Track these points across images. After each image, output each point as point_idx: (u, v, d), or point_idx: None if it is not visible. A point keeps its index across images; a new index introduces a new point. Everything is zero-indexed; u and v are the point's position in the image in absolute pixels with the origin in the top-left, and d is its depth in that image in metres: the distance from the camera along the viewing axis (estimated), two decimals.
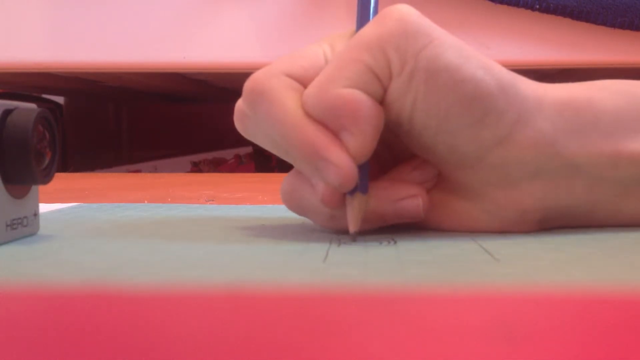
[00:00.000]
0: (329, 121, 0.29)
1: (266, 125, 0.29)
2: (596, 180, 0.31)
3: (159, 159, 1.24)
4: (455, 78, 0.29)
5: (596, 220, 0.32)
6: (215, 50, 0.80)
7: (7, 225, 0.29)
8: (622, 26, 0.74)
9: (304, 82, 0.30)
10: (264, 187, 0.62)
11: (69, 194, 0.54)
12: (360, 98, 0.28)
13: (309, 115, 0.29)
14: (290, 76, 0.30)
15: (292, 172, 0.32)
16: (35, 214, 0.31)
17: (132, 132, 1.39)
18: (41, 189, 0.32)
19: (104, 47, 0.81)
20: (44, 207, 0.42)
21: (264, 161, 1.20)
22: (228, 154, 1.24)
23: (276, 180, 0.73)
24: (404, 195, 0.31)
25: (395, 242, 0.29)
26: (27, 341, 0.15)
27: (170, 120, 1.38)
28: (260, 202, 0.47)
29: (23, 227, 0.30)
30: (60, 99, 1.29)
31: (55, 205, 0.44)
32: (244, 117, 0.31)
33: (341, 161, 0.28)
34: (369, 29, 0.29)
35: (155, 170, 1.22)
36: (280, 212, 0.40)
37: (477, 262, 0.25)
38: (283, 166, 1.18)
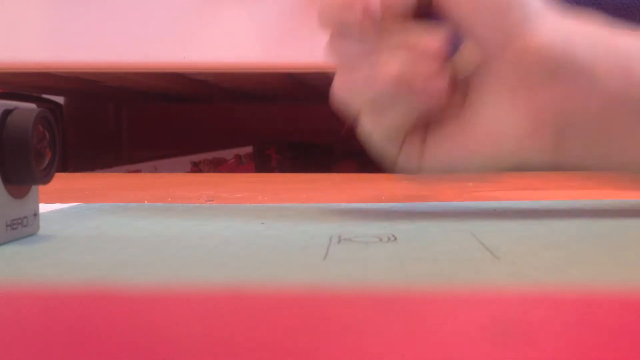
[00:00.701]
0: None
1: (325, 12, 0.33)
2: (611, 98, 0.32)
3: (159, 159, 1.24)
4: None
5: (611, 149, 0.33)
6: (215, 50, 0.80)
7: (7, 226, 0.29)
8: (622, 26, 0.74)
9: None
10: (264, 187, 0.62)
11: (69, 194, 0.54)
12: None
13: None
14: None
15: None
16: (35, 214, 0.31)
17: (132, 132, 1.39)
18: (41, 189, 0.32)
19: (104, 47, 0.81)
20: (44, 207, 0.42)
21: (264, 161, 1.20)
22: (228, 154, 1.24)
23: (276, 180, 0.73)
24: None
25: (395, 239, 0.29)
26: (27, 341, 0.15)
27: (170, 120, 1.38)
28: (260, 202, 0.47)
29: (23, 227, 0.30)
30: (60, 99, 1.29)
31: (55, 205, 0.44)
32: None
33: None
34: None
35: (155, 170, 1.22)
36: (280, 211, 0.40)
37: (477, 259, 0.25)
38: (283, 166, 1.18)
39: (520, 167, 0.34)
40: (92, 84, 1.02)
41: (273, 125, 1.31)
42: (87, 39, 0.81)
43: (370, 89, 0.33)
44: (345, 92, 0.34)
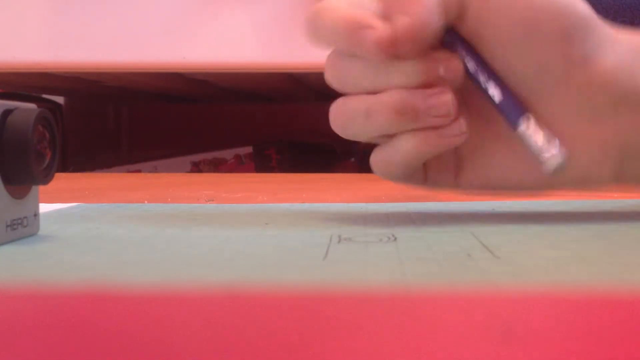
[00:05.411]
0: (386, 5, 0.30)
1: (326, 30, 0.31)
2: None
3: (159, 159, 1.24)
4: None
5: None
6: (215, 50, 0.80)
7: (7, 226, 0.29)
8: (622, 26, 0.74)
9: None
10: (264, 187, 0.62)
11: (69, 194, 0.54)
12: None
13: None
14: None
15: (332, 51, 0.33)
16: (35, 214, 0.31)
17: (132, 132, 1.39)
18: (41, 189, 0.32)
19: (104, 47, 0.81)
20: (44, 207, 0.42)
21: (264, 161, 1.20)
22: (228, 154, 1.24)
23: (276, 180, 0.73)
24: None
25: (395, 239, 0.29)
26: (27, 341, 0.15)
27: (170, 120, 1.38)
28: (260, 202, 0.47)
29: (23, 228, 0.30)
30: (60, 99, 1.29)
31: (55, 205, 0.44)
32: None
33: (380, 26, 0.29)
34: None
35: (155, 170, 1.22)
36: (280, 211, 0.40)
37: (476, 259, 0.25)
38: (283, 166, 1.18)
39: (574, 187, 0.34)
40: (92, 84, 1.02)
41: (273, 125, 1.31)
42: (87, 39, 0.81)
43: (372, 121, 0.31)
44: (346, 123, 0.32)
